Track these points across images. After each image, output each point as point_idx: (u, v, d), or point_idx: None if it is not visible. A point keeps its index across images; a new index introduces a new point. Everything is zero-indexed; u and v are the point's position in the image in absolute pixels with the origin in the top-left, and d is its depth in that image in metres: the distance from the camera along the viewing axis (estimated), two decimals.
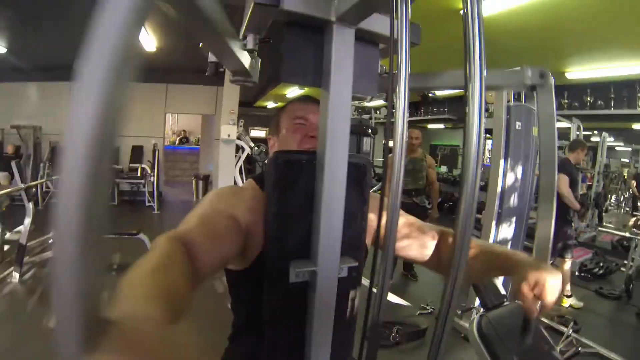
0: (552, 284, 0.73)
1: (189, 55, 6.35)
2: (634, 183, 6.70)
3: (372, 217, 0.94)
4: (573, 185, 3.91)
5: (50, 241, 4.11)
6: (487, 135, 3.12)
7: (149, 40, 4.90)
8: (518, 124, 2.94)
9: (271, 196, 0.77)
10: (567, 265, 3.70)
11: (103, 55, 0.31)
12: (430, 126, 10.38)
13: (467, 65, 0.54)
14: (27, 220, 3.61)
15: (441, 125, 10.00)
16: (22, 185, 3.86)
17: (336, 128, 0.72)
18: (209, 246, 0.71)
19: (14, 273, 3.48)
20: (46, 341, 2.49)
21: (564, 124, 5.42)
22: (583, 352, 2.84)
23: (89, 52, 0.32)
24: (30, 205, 3.70)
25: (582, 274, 4.46)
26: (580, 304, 3.68)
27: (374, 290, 0.70)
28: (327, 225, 0.73)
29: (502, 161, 2.99)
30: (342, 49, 0.71)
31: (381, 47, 0.83)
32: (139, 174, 7.25)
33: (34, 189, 5.38)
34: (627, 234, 4.57)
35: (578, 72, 4.74)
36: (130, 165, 7.50)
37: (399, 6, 0.57)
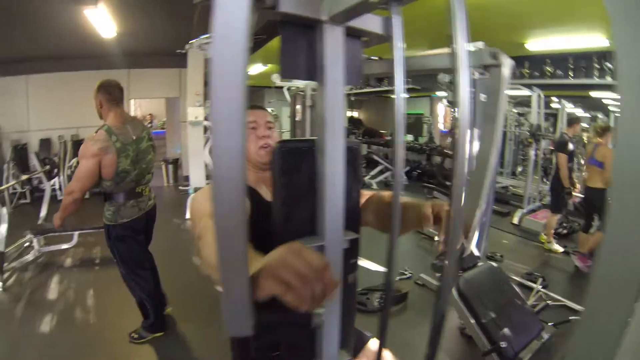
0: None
1: (150, 38, 6.12)
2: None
3: None
4: (571, 159, 4.58)
5: (26, 244, 3.96)
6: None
7: (109, 26, 4.68)
8: (483, 96, 3.08)
9: (278, 182, 0.85)
10: (555, 218, 4.64)
11: None
12: (394, 96, 10.55)
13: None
14: (4, 227, 3.46)
15: (405, 95, 10.16)
16: None
17: (333, 117, 0.80)
18: None
19: None
20: (40, 348, 2.52)
21: (525, 92, 5.67)
22: (552, 305, 3.10)
23: None
24: (4, 211, 3.54)
25: None
26: (561, 249, 4.52)
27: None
28: (330, 204, 0.82)
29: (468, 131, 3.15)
30: (333, 45, 0.78)
31: (363, 39, 0.91)
32: None
33: (4, 193, 5.02)
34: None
35: (538, 43, 4.94)
36: None
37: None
